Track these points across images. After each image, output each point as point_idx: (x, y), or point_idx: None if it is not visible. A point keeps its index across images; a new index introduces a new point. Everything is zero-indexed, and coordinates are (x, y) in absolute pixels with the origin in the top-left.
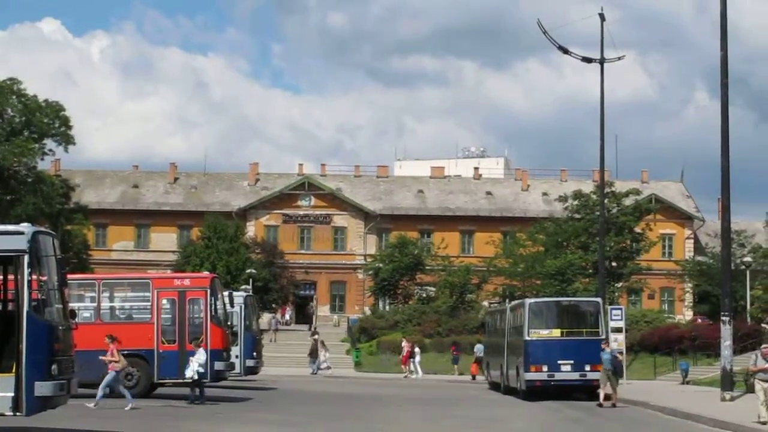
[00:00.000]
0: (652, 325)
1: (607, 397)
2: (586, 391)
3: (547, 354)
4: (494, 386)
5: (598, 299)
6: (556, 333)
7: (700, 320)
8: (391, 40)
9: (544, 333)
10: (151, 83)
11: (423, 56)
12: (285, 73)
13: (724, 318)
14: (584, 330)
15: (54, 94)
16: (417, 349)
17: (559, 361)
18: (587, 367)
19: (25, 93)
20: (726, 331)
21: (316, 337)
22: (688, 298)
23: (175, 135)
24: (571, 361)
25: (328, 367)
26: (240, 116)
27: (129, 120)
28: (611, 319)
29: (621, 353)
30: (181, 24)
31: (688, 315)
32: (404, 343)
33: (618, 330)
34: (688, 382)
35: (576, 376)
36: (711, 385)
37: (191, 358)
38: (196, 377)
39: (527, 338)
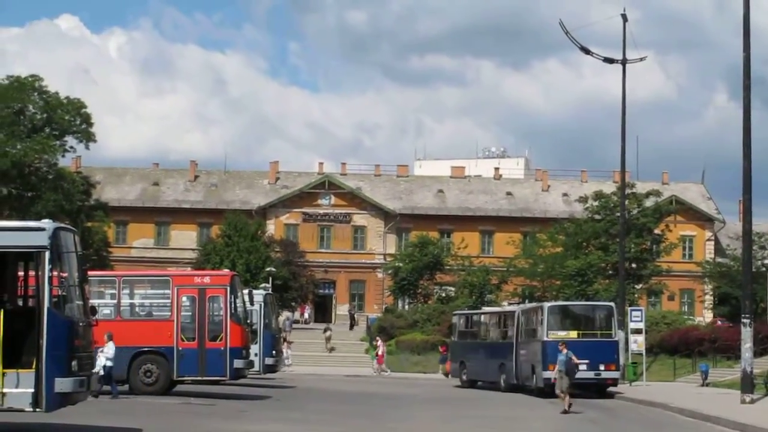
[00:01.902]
0: (671, 326)
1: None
2: (597, 390)
3: None
4: (471, 384)
5: (612, 303)
6: (573, 334)
7: (720, 322)
8: (409, 38)
9: (561, 334)
10: (168, 80)
11: (441, 55)
12: (302, 71)
13: (744, 320)
14: (598, 332)
15: (72, 91)
16: (385, 348)
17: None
18: (602, 367)
19: (47, 90)
20: (746, 334)
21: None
22: (708, 300)
23: (193, 132)
24: (587, 361)
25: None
26: (258, 114)
27: (147, 117)
28: (631, 321)
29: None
30: (199, 21)
31: (708, 317)
32: (380, 343)
33: (638, 331)
34: (707, 384)
35: (591, 375)
36: (731, 388)
37: (99, 352)
38: (102, 372)
39: (546, 339)
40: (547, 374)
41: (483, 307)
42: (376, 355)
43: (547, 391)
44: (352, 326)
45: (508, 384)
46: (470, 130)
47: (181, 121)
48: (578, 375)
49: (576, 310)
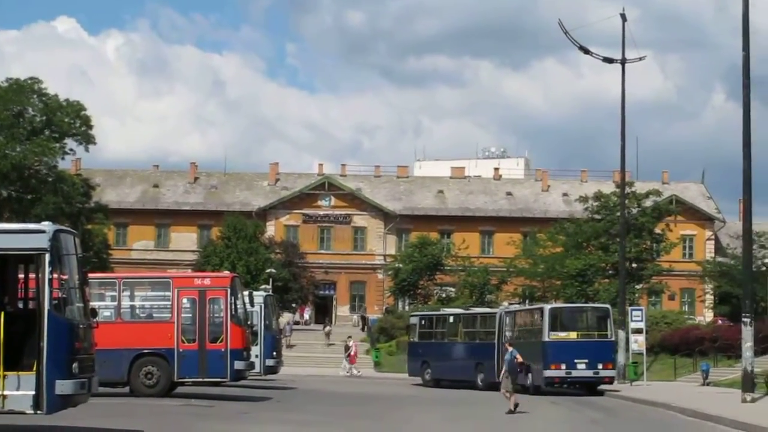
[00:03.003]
0: (672, 326)
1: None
2: (588, 388)
3: (565, 354)
4: (435, 383)
5: (608, 305)
6: (572, 335)
7: (720, 321)
8: (406, 39)
9: (562, 335)
10: (166, 82)
11: (439, 56)
12: (300, 73)
13: (745, 319)
14: (596, 333)
15: (70, 93)
16: (357, 349)
17: (576, 360)
18: (599, 366)
19: (46, 92)
20: (747, 333)
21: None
22: (709, 299)
23: (192, 134)
24: (586, 360)
25: None
26: (257, 115)
27: (146, 119)
28: (632, 320)
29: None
30: (196, 22)
31: (709, 316)
32: (352, 343)
33: (638, 331)
34: (708, 384)
35: (590, 373)
36: (732, 387)
37: None
38: None
39: (547, 339)
40: (549, 373)
41: (443, 309)
42: (348, 355)
43: (544, 390)
44: (364, 328)
45: (487, 383)
46: (470, 131)
47: (179, 122)
48: (577, 374)
49: (574, 312)
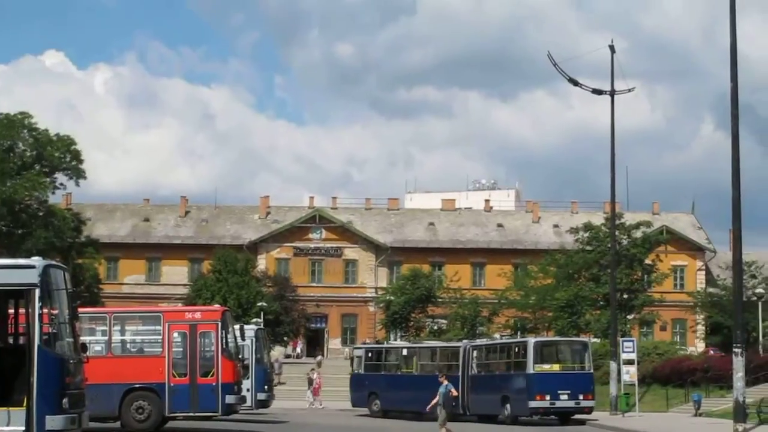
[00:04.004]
0: (664, 356)
1: None
2: (560, 419)
3: (549, 385)
4: (383, 413)
5: (587, 339)
6: (555, 367)
7: (712, 352)
8: (395, 71)
9: (546, 367)
10: (155, 115)
11: (428, 87)
12: (288, 105)
13: (736, 350)
14: (576, 365)
15: (59, 126)
16: (321, 380)
17: (559, 391)
18: (581, 396)
19: (36, 127)
20: (738, 363)
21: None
22: (700, 329)
23: (182, 167)
24: (569, 391)
25: None
26: (246, 148)
27: (135, 152)
28: (623, 351)
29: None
30: (184, 55)
31: (700, 347)
32: (316, 376)
33: (630, 362)
34: (700, 414)
35: (572, 403)
36: (723, 417)
37: None
38: None
39: (532, 372)
40: (534, 403)
41: (393, 341)
42: (312, 387)
43: (521, 420)
44: None
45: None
46: (460, 162)
47: (169, 155)
48: (560, 404)
49: (556, 346)
